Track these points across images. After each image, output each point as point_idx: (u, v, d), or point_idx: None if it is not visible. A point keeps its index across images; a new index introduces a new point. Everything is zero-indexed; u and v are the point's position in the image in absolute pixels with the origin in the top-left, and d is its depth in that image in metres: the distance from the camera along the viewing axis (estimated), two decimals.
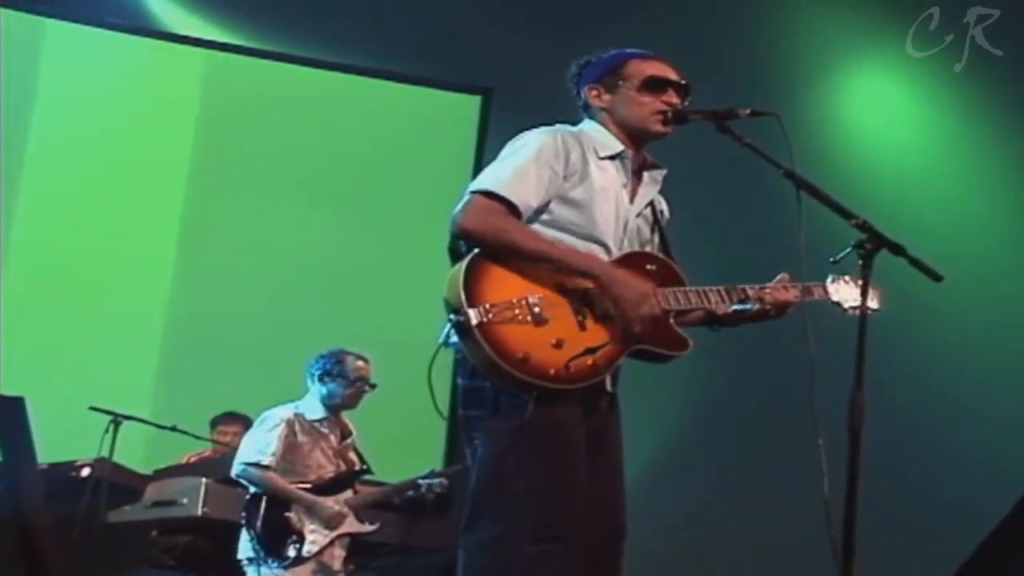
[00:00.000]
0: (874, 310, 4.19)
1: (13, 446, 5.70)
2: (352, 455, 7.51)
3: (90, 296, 9.63)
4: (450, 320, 3.70)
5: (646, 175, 4.15)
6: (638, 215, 4.12)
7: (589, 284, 3.84)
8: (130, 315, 9.64)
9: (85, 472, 7.41)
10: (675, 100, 4.09)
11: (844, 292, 4.32)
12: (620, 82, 4.11)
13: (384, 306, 10.05)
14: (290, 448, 7.24)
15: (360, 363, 7.42)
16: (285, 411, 7.34)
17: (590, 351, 3.78)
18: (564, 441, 3.79)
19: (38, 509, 5.73)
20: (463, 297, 3.68)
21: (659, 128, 4.09)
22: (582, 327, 3.79)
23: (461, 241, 3.85)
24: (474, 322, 3.64)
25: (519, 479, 3.72)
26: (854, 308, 4.22)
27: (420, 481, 7.48)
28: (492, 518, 3.73)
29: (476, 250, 3.78)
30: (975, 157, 10.23)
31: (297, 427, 7.30)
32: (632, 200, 4.10)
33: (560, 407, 3.76)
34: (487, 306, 3.67)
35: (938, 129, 10.38)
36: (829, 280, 4.32)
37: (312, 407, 7.39)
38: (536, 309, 3.73)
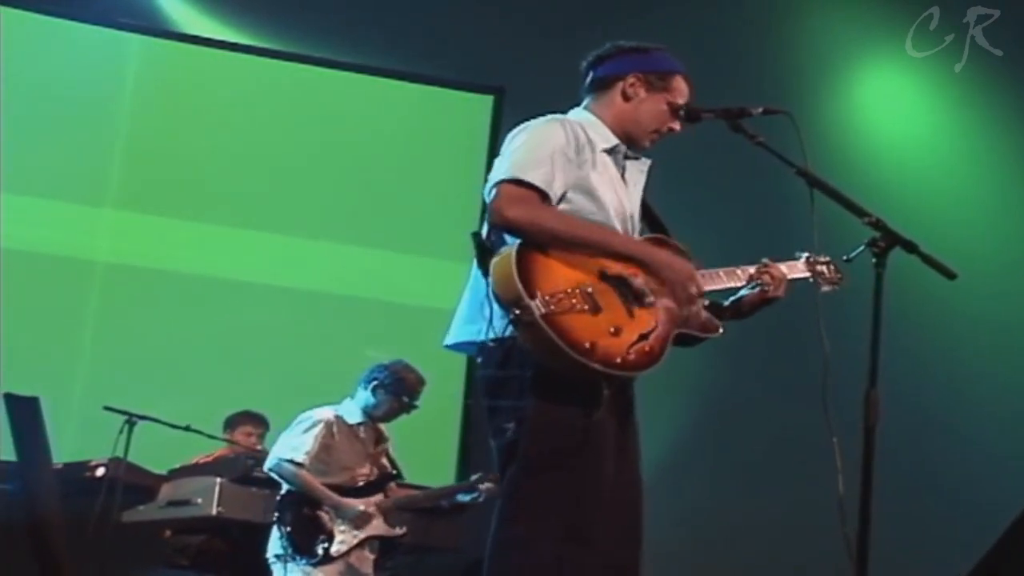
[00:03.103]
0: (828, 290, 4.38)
1: (28, 446, 5.71)
2: (385, 460, 7.55)
3: (105, 296, 9.64)
4: (512, 314, 3.64)
5: (629, 165, 4.14)
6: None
7: (629, 269, 3.84)
8: (144, 315, 9.65)
9: (100, 472, 7.42)
10: (677, 128, 4.13)
11: (818, 268, 4.42)
12: (662, 89, 4.10)
13: (396, 306, 10.06)
14: (326, 449, 7.28)
15: (419, 386, 7.48)
16: (326, 412, 7.39)
17: (644, 337, 3.78)
18: (602, 443, 3.80)
19: (53, 508, 5.73)
20: (521, 289, 3.63)
21: (648, 146, 4.15)
22: (630, 313, 3.80)
23: (499, 232, 3.82)
24: (539, 313, 3.60)
25: (557, 481, 3.72)
26: (825, 285, 4.39)
27: (459, 497, 7.53)
28: (526, 516, 3.74)
29: (518, 242, 3.74)
30: (985, 154, 10.22)
31: (336, 429, 7.34)
32: (627, 191, 4.11)
33: (601, 404, 3.75)
34: (547, 297, 3.63)
35: (948, 128, 10.36)
36: (802, 258, 4.39)
37: (352, 412, 7.44)
38: (591, 297, 3.72)
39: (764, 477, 9.64)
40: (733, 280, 4.16)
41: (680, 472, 9.37)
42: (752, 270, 4.21)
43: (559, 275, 3.72)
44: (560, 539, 3.69)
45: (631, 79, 4.11)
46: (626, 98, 4.11)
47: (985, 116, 10.17)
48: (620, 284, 3.82)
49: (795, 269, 4.33)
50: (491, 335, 3.75)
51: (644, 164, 4.18)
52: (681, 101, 4.11)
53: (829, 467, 3.64)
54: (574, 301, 3.68)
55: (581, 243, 3.80)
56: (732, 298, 4.24)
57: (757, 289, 4.20)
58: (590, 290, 3.73)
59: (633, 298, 3.82)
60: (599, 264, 3.81)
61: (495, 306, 3.73)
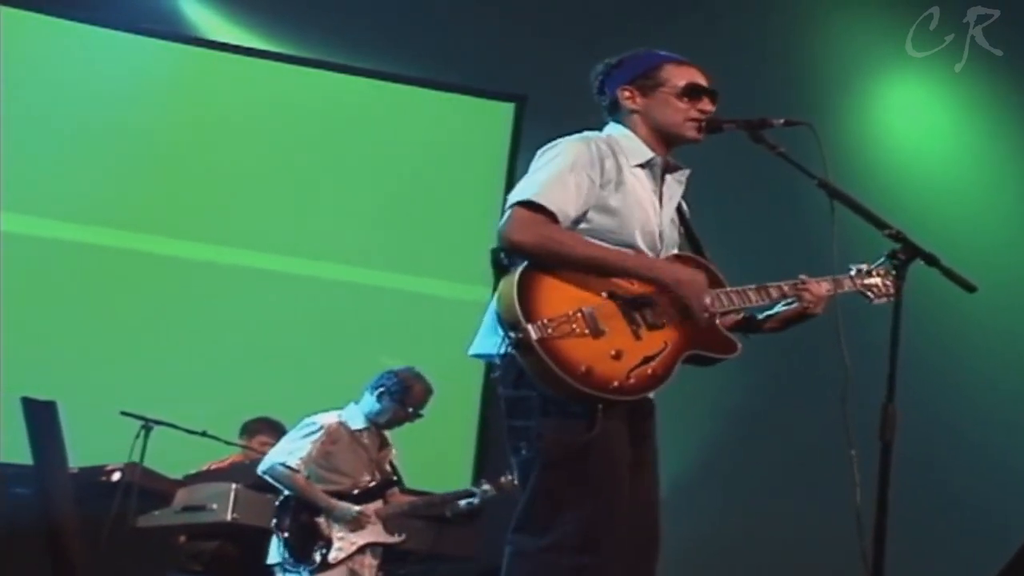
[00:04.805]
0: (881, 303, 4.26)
1: (45, 450, 5.73)
2: (387, 466, 7.54)
3: (122, 299, 9.65)
4: (508, 337, 3.67)
5: (669, 177, 4.12)
6: (670, 219, 4.12)
7: (640, 289, 3.84)
8: (162, 318, 9.66)
9: (115, 476, 7.43)
10: (709, 107, 4.07)
11: (869, 281, 4.32)
12: (656, 86, 4.07)
13: (415, 314, 10.05)
14: (326, 456, 7.29)
15: (426, 396, 7.47)
16: (328, 418, 7.39)
17: (648, 360, 3.78)
18: (614, 454, 3.79)
19: (68, 512, 5.75)
20: (519, 313, 3.65)
21: (693, 134, 4.06)
22: (637, 336, 3.79)
23: (506, 254, 3.82)
24: (535, 338, 3.62)
25: (571, 492, 3.72)
26: (878, 299, 4.28)
27: (460, 503, 7.52)
28: (542, 527, 3.74)
29: (525, 263, 3.76)
30: (1007, 163, 10.19)
31: (337, 436, 7.34)
32: (661, 205, 4.08)
33: (611, 420, 3.74)
34: (545, 321, 3.65)
35: (959, 133, 10.34)
36: (853, 271, 4.32)
37: (356, 417, 7.44)
38: (593, 320, 3.71)
39: (783, 489, 9.61)
40: (763, 297, 4.11)
41: (698, 485, 9.35)
42: (786, 287, 4.17)
43: (564, 297, 3.74)
44: (574, 551, 3.68)
45: (625, 93, 4.11)
46: (633, 111, 4.10)
47: (986, 117, 10.16)
48: (630, 306, 3.82)
49: (840, 285, 4.26)
50: (501, 351, 3.76)
51: (682, 175, 4.17)
52: (683, 82, 4.07)
53: (847, 480, 3.62)
54: (574, 326, 3.69)
55: (589, 264, 3.80)
56: (767, 312, 4.22)
57: (795, 305, 4.16)
58: (594, 313, 3.73)
59: (642, 320, 3.82)
60: (610, 285, 3.81)
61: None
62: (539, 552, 3.72)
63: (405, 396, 7.39)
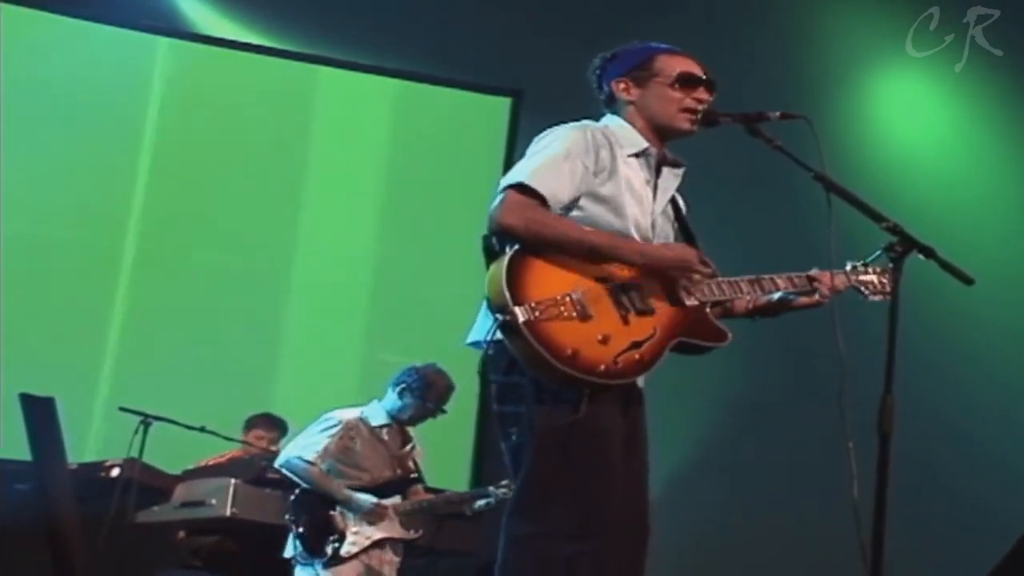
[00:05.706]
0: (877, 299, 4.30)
1: (43, 446, 5.73)
2: (410, 463, 7.53)
3: (121, 296, 9.66)
4: (496, 319, 3.68)
5: (665, 170, 4.13)
6: (661, 211, 4.12)
7: (631, 274, 3.85)
8: (161, 316, 9.66)
9: (115, 472, 7.44)
10: (705, 97, 4.08)
11: (864, 277, 4.36)
12: (650, 77, 4.09)
13: (414, 309, 10.05)
14: (345, 451, 7.27)
15: (448, 393, 7.44)
16: (349, 414, 7.38)
17: (636, 345, 3.78)
18: (607, 441, 3.80)
19: (67, 509, 5.75)
20: (507, 295, 3.66)
21: (687, 126, 4.08)
22: (625, 321, 3.79)
23: (498, 238, 3.83)
24: (521, 320, 3.63)
25: (564, 478, 3.73)
26: (873, 295, 4.32)
27: (477, 503, 7.52)
28: (535, 514, 3.75)
29: (515, 246, 3.77)
30: (1007, 163, 10.20)
31: (356, 431, 7.32)
32: (655, 197, 4.09)
33: (603, 406, 3.76)
34: (533, 304, 3.66)
35: (962, 132, 10.35)
36: (848, 267, 4.34)
37: (377, 413, 7.42)
38: (581, 305, 3.72)
39: (781, 482, 9.62)
40: (757, 288, 4.13)
41: (696, 479, 9.36)
42: (796, 279, 4.20)
43: (553, 281, 3.75)
44: (569, 538, 3.69)
45: (620, 85, 4.13)
46: (628, 102, 4.12)
47: (986, 117, 10.18)
48: (619, 291, 3.83)
49: (838, 280, 4.30)
50: (490, 336, 3.76)
51: (679, 171, 4.18)
52: (677, 71, 4.09)
53: (845, 473, 3.62)
54: (562, 308, 3.70)
55: (579, 248, 3.81)
56: (780, 296, 4.23)
57: (815, 297, 4.20)
58: (582, 297, 3.74)
59: (631, 306, 3.83)
60: (601, 271, 3.82)
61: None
62: (533, 538, 3.72)
63: (426, 392, 7.37)
